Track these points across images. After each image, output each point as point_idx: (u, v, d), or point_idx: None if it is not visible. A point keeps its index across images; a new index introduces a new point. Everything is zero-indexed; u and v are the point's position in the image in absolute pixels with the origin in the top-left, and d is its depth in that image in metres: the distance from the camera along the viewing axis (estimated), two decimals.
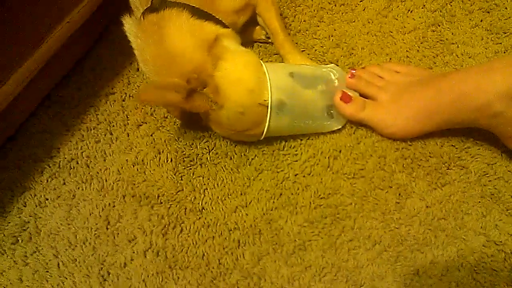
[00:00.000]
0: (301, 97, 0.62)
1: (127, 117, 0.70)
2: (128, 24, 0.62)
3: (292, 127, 0.63)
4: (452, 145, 0.63)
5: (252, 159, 0.65)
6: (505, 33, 0.71)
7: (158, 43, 0.58)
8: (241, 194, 0.63)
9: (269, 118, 0.59)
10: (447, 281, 0.55)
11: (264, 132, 0.61)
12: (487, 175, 0.61)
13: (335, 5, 0.76)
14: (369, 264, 0.57)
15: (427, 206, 0.60)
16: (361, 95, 0.65)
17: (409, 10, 0.75)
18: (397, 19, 0.74)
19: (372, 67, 0.68)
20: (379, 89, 0.64)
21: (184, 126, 0.68)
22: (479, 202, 0.59)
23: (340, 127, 0.65)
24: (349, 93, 0.63)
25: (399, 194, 0.61)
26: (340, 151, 0.65)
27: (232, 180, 0.64)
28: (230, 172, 0.65)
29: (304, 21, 0.76)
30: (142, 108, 0.71)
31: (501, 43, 0.70)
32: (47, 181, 0.67)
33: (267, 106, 0.58)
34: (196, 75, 0.55)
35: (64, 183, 0.66)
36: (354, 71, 0.66)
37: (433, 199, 0.60)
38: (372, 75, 0.66)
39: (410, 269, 0.56)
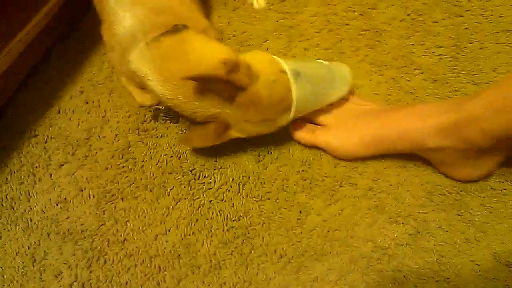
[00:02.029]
0: (311, 68, 0.69)
1: (50, 158, 0.74)
2: (139, 55, 0.64)
3: (314, 95, 0.68)
4: (343, 166, 0.73)
5: (171, 189, 0.72)
6: (386, 66, 0.83)
7: (181, 56, 0.63)
8: (161, 223, 0.69)
9: (293, 83, 0.64)
10: (342, 284, 0.64)
11: (294, 98, 0.65)
12: (372, 190, 0.71)
13: (242, 46, 0.86)
14: (276, 276, 0.65)
15: (323, 220, 0.69)
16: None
17: (305, 49, 0.85)
18: (295, 57, 0.84)
19: None
20: (327, 115, 0.73)
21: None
22: (367, 213, 0.69)
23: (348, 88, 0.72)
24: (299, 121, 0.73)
25: (300, 212, 0.70)
26: (249, 177, 0.73)
27: (152, 211, 0.70)
28: (150, 203, 0.71)
29: None
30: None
31: (382, 75, 0.82)
32: None
33: (287, 73, 0.65)
34: (229, 58, 0.59)
35: None
36: None
37: (329, 214, 0.69)
38: None
39: (310, 277, 0.65)
